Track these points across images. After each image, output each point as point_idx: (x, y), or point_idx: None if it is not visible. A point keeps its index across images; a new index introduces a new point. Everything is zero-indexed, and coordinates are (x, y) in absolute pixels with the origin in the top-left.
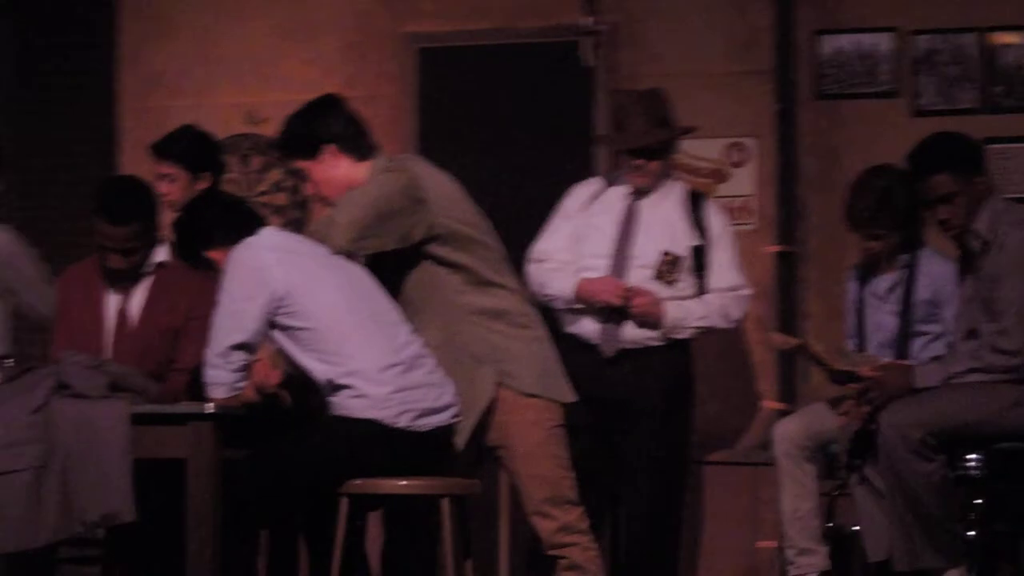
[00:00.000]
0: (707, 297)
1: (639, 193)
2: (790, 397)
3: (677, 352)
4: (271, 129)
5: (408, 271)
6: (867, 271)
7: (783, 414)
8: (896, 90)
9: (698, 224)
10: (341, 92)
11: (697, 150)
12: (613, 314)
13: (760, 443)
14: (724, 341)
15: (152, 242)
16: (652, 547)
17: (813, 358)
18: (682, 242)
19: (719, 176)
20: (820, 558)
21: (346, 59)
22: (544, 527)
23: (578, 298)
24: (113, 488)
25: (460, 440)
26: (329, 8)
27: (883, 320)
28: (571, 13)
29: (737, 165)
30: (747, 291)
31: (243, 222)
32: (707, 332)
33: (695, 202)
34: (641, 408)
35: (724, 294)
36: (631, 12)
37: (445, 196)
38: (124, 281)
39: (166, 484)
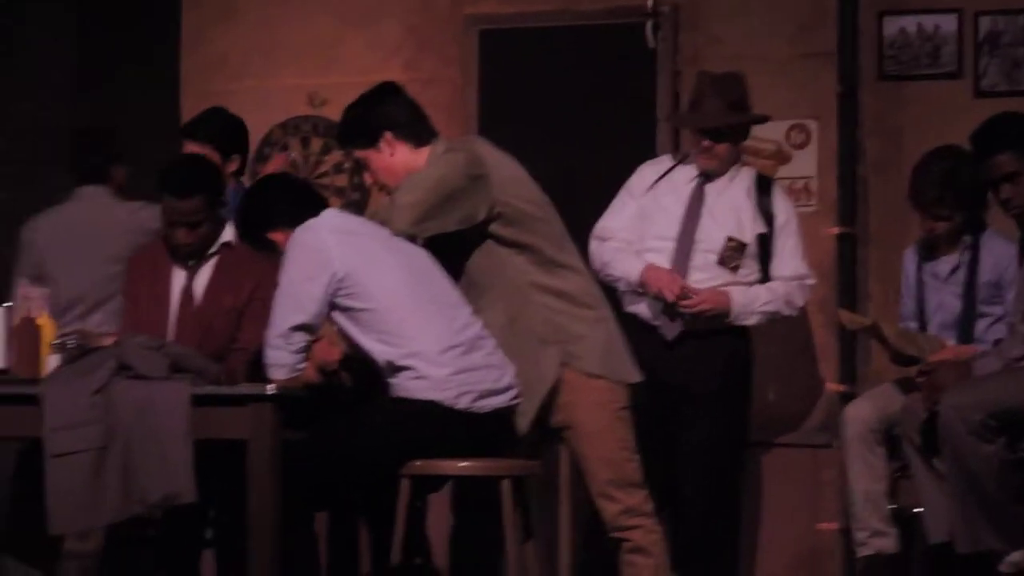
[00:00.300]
0: (772, 284)
1: (707, 177)
2: (851, 379)
3: (737, 336)
4: (332, 111)
5: (472, 252)
6: (927, 251)
7: (845, 397)
8: (959, 71)
9: (765, 211)
10: (402, 75)
11: (759, 131)
12: (670, 306)
13: (820, 425)
14: (785, 324)
15: (218, 219)
16: (709, 531)
17: (882, 340)
18: (748, 228)
19: (781, 157)
20: (892, 539)
21: (407, 42)
22: (608, 509)
23: (641, 283)
24: (173, 469)
25: (524, 422)
26: None
27: (945, 301)
28: None
29: (799, 147)
30: (811, 280)
31: (305, 203)
32: (771, 318)
33: (762, 188)
34: (699, 391)
35: (789, 282)
36: None
37: (508, 176)
38: (190, 260)
39: (227, 465)
